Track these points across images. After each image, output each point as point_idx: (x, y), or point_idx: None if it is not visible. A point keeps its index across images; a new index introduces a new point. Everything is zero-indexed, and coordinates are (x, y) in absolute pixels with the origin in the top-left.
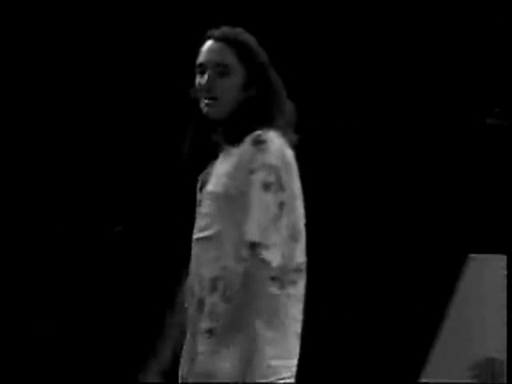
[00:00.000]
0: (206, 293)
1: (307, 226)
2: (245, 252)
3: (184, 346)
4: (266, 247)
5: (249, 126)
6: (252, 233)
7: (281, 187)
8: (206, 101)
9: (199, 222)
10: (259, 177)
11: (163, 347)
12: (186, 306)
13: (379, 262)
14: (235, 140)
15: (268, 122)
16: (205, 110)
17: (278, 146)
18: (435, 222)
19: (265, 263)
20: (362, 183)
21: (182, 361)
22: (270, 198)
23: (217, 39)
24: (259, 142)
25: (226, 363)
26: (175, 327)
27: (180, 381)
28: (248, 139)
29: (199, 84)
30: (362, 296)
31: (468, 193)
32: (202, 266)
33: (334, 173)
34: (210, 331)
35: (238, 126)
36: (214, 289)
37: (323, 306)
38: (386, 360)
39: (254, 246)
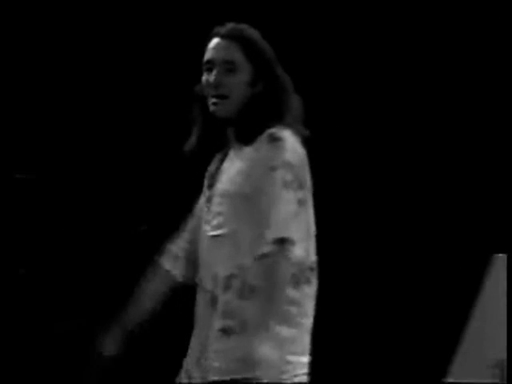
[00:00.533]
0: (220, 290)
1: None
2: (269, 248)
3: (192, 343)
4: (293, 243)
5: (261, 124)
6: (278, 228)
7: (300, 185)
8: (214, 99)
9: (211, 220)
10: (280, 174)
11: (129, 314)
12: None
13: (400, 263)
14: (248, 138)
15: (278, 119)
16: (212, 108)
17: (292, 143)
18: (451, 222)
19: (290, 259)
20: (370, 182)
21: (190, 359)
22: (291, 195)
23: (223, 36)
24: (275, 140)
25: (244, 361)
26: (147, 296)
27: (187, 380)
28: (263, 137)
29: (206, 81)
30: (384, 297)
31: (469, 192)
32: (216, 263)
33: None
34: (224, 330)
35: (250, 124)
36: (228, 287)
37: (346, 306)
38: (411, 360)
39: (281, 242)
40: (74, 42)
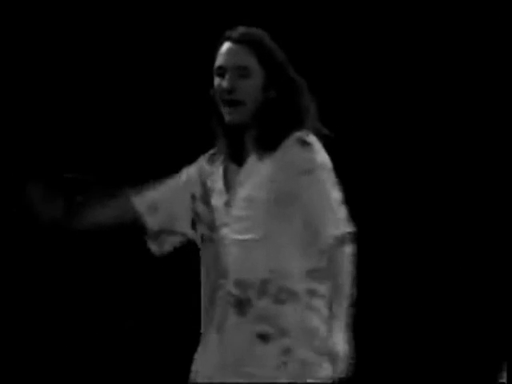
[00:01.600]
0: (253, 295)
1: None
2: (330, 246)
3: (207, 345)
4: (351, 239)
5: (284, 129)
6: (338, 226)
7: (336, 184)
8: (229, 107)
9: (232, 224)
10: (321, 176)
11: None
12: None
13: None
14: (272, 143)
15: (299, 123)
16: (228, 117)
17: (320, 146)
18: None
19: (350, 255)
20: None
21: (208, 361)
22: (338, 194)
23: (235, 41)
24: (305, 144)
25: (286, 366)
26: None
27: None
28: (290, 142)
29: (219, 86)
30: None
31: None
32: (244, 268)
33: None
34: (262, 335)
35: (273, 129)
36: (263, 292)
37: (401, 307)
38: (465, 361)
39: (342, 239)
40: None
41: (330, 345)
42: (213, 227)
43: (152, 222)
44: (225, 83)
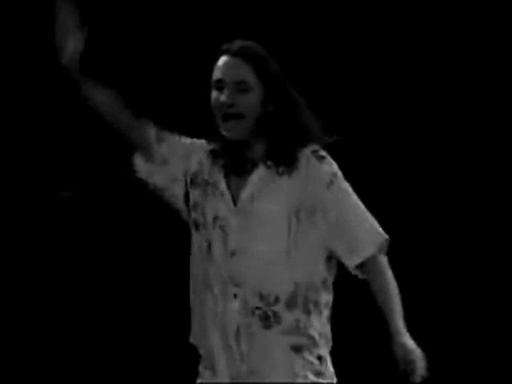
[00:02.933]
0: (281, 309)
1: None
2: (372, 254)
3: (223, 355)
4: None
5: (294, 143)
6: (377, 233)
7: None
8: (227, 123)
9: (249, 237)
10: (344, 186)
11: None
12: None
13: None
14: (289, 157)
15: (306, 138)
16: (227, 133)
17: (331, 159)
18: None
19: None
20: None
21: (226, 371)
22: (360, 203)
23: (233, 54)
24: (322, 157)
25: (319, 375)
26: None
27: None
28: (308, 156)
29: (217, 100)
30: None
31: None
32: (267, 282)
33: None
34: (295, 347)
35: (285, 144)
36: (293, 305)
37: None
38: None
39: (382, 245)
40: None
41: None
42: (213, 225)
43: (157, 152)
44: (224, 98)
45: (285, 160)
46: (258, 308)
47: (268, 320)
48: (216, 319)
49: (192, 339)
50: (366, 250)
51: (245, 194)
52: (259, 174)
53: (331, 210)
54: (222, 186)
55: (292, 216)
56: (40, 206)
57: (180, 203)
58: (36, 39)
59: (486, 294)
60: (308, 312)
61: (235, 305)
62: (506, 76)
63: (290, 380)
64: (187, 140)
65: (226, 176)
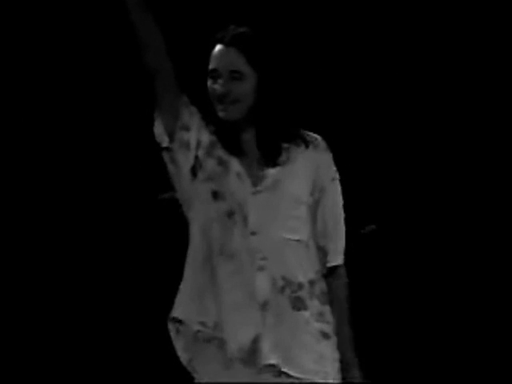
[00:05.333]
0: (305, 296)
1: None
2: (342, 261)
3: (269, 330)
4: None
5: (283, 132)
6: (344, 241)
7: None
8: (222, 105)
9: (285, 221)
10: (339, 186)
11: None
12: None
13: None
14: (276, 146)
15: (296, 125)
16: (222, 113)
17: None
18: None
19: None
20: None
21: (273, 353)
22: None
23: (226, 43)
24: (329, 148)
25: (338, 364)
26: None
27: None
28: (316, 141)
29: (213, 89)
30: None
31: None
32: (293, 268)
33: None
34: (324, 333)
35: (274, 133)
36: (312, 293)
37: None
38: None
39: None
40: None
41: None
42: (232, 199)
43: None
44: (218, 87)
45: (272, 148)
46: (285, 288)
47: (297, 303)
48: (239, 287)
49: (179, 313)
50: (337, 259)
51: (268, 178)
52: (281, 161)
53: (327, 202)
54: (237, 166)
55: (309, 204)
56: (141, 208)
57: (186, 176)
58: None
59: (485, 293)
60: (324, 302)
61: (263, 276)
62: (506, 76)
63: (320, 363)
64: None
65: (237, 156)
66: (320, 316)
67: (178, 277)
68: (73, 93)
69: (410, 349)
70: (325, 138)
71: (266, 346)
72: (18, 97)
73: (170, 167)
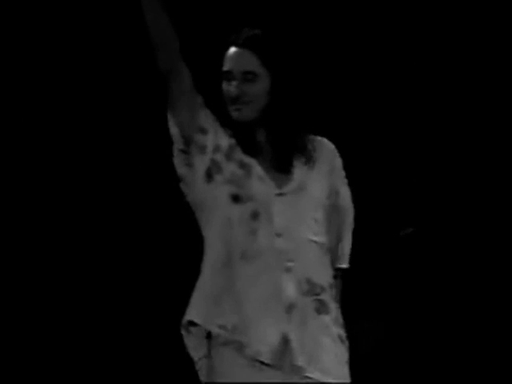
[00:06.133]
0: (327, 299)
1: None
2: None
3: (294, 332)
4: None
5: (294, 133)
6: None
7: None
8: (235, 105)
9: (309, 224)
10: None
11: None
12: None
13: None
14: (288, 148)
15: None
16: (235, 113)
17: None
18: None
19: None
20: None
21: (299, 355)
22: None
23: (240, 45)
24: (338, 153)
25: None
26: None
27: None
28: (330, 147)
29: (227, 91)
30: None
31: None
32: (316, 270)
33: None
34: (341, 338)
35: (285, 134)
36: (332, 296)
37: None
38: None
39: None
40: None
41: None
42: (254, 201)
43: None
44: (232, 89)
45: (286, 149)
46: (309, 291)
47: (320, 306)
48: (264, 289)
49: (195, 316)
50: (343, 261)
51: (294, 180)
52: (301, 163)
53: (341, 206)
54: (258, 168)
55: (327, 207)
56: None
57: (200, 178)
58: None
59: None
60: (338, 306)
61: (290, 278)
62: (506, 76)
63: (339, 367)
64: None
65: (255, 157)
66: (337, 320)
67: (178, 278)
68: (83, 94)
69: (451, 352)
70: (353, 142)
71: (293, 347)
72: (28, 97)
73: (183, 169)
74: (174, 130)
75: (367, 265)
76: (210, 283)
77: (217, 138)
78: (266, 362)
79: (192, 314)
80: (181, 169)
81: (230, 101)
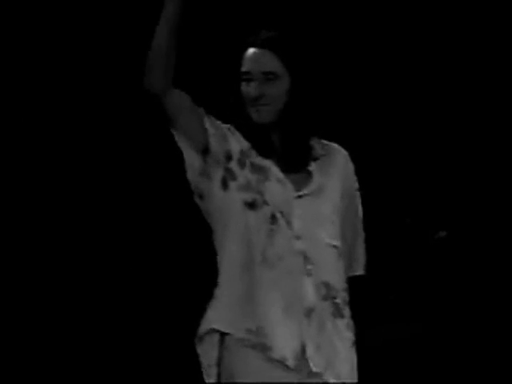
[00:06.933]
0: (342, 303)
1: None
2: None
3: (312, 337)
4: None
5: (308, 136)
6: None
7: None
8: (256, 106)
9: (327, 227)
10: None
11: None
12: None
13: None
14: (301, 151)
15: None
16: (256, 115)
17: None
18: None
19: None
20: None
21: (319, 359)
22: None
23: (260, 46)
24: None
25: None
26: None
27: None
28: (343, 153)
29: (247, 92)
30: None
31: None
32: (332, 273)
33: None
34: (353, 343)
35: (299, 136)
36: (346, 301)
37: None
38: None
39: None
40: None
41: None
42: (272, 205)
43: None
44: (252, 90)
45: (299, 151)
46: (327, 294)
47: (336, 310)
48: (284, 292)
49: (219, 323)
50: (359, 268)
51: (313, 183)
52: (317, 167)
53: (354, 211)
54: (276, 171)
55: (341, 207)
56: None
57: (216, 187)
58: None
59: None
60: (350, 311)
61: (310, 281)
62: (506, 76)
63: (352, 372)
64: (217, 121)
65: (271, 159)
66: (349, 325)
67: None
68: (84, 94)
69: (489, 352)
70: (385, 146)
71: (311, 352)
72: (28, 97)
73: (199, 179)
74: (184, 145)
75: (403, 268)
76: (230, 290)
77: (227, 145)
78: (290, 366)
79: (214, 321)
80: (196, 181)
81: (250, 102)
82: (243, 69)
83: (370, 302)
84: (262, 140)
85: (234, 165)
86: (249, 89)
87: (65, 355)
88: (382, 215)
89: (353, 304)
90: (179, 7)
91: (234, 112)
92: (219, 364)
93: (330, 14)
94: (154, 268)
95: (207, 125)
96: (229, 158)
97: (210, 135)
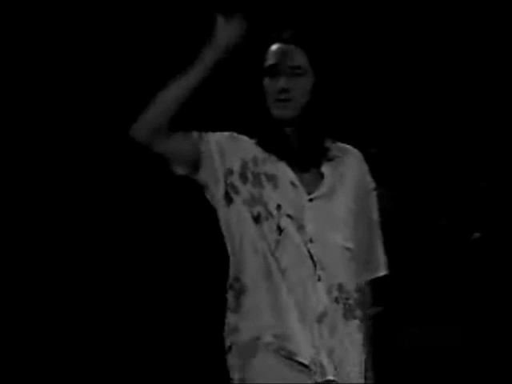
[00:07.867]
0: (354, 305)
1: None
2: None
3: (324, 343)
4: None
5: (324, 136)
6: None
7: None
8: (280, 103)
9: (340, 229)
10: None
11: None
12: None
13: None
14: (317, 151)
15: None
16: (278, 111)
17: None
18: None
19: None
20: None
21: (331, 363)
22: None
23: (287, 41)
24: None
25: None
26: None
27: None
28: (357, 154)
29: (273, 86)
30: None
31: None
32: (346, 276)
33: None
34: (363, 345)
35: (316, 136)
36: (358, 302)
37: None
38: None
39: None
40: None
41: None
42: (278, 214)
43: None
44: (281, 82)
45: (315, 151)
46: (339, 297)
47: (347, 312)
48: (299, 299)
49: (244, 336)
50: (381, 269)
51: (325, 185)
52: (330, 168)
53: (369, 212)
54: (291, 176)
55: (355, 209)
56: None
57: (220, 202)
58: None
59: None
60: (363, 313)
61: (322, 286)
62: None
63: (362, 375)
64: (213, 137)
65: (290, 166)
66: (360, 326)
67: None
68: (85, 95)
69: None
70: (421, 147)
71: (324, 359)
72: (28, 97)
73: (207, 194)
74: (186, 172)
75: (439, 270)
76: (254, 298)
77: (226, 162)
78: (313, 370)
79: (249, 329)
80: (205, 193)
81: (274, 95)
82: (269, 62)
83: (403, 304)
84: (279, 136)
85: (235, 179)
86: (274, 83)
87: (67, 355)
88: (417, 216)
89: (383, 305)
90: (206, 74)
91: (252, 107)
92: (244, 369)
93: (331, 14)
94: (154, 268)
95: (202, 149)
96: (228, 173)
97: (204, 158)
